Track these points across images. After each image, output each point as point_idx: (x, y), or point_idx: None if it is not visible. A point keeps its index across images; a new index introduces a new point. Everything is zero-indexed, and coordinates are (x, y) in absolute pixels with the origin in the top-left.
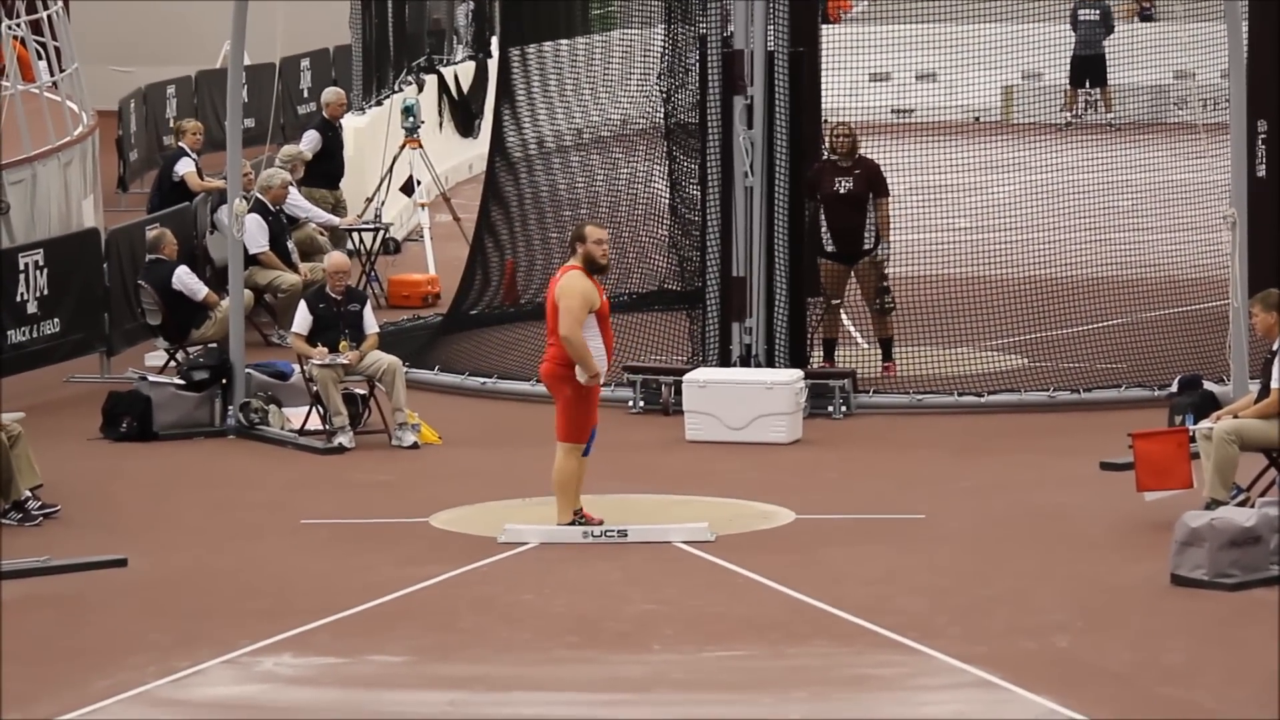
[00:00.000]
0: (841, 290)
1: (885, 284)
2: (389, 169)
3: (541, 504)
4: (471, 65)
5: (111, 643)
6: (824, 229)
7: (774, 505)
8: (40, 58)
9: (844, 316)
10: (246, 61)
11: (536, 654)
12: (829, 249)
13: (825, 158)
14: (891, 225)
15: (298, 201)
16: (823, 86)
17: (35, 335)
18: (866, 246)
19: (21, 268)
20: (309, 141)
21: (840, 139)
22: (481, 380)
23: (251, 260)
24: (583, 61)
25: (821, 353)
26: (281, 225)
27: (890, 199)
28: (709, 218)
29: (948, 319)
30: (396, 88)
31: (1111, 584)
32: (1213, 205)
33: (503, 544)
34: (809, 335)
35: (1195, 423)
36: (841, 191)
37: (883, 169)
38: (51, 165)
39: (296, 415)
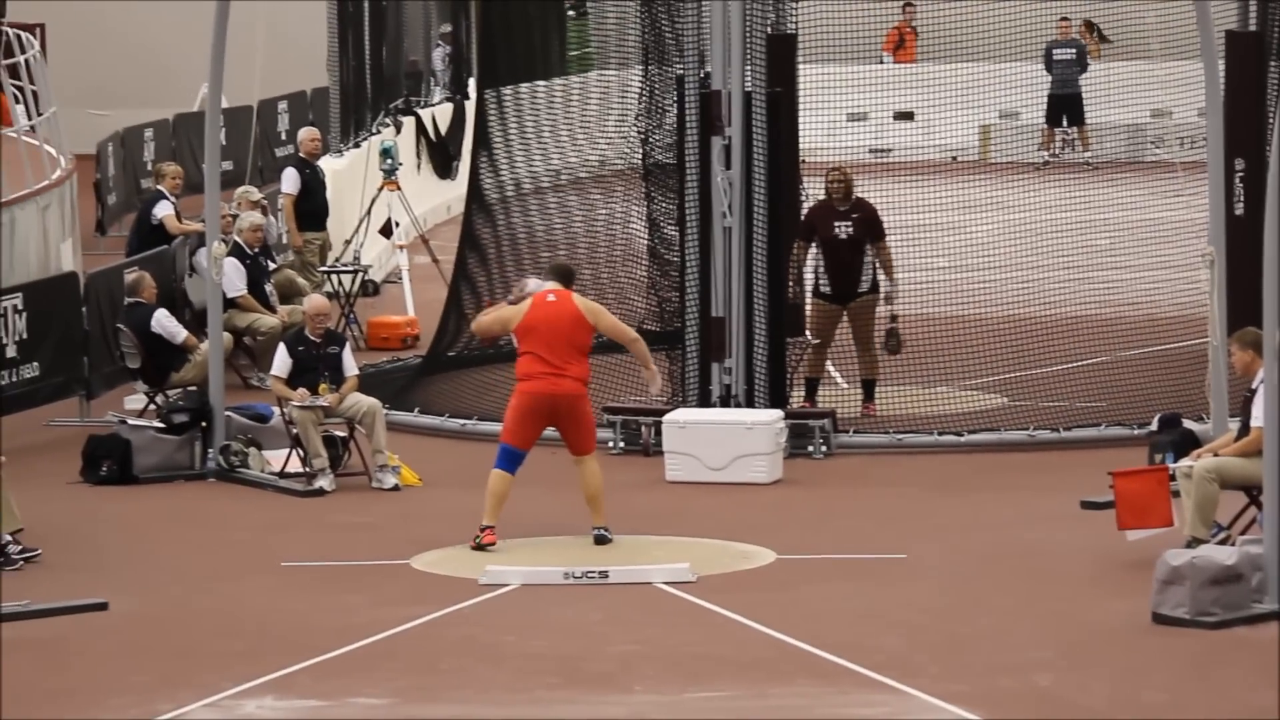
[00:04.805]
0: (831, 331)
1: (895, 325)
2: (367, 211)
3: (523, 545)
4: (449, 107)
5: (94, 685)
6: (821, 270)
7: (755, 545)
8: (18, 102)
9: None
10: (224, 104)
11: (518, 695)
12: (825, 290)
13: (820, 199)
14: (894, 264)
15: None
16: (800, 126)
17: (15, 379)
18: (862, 289)
19: (0, 312)
20: (289, 180)
21: (836, 184)
22: (461, 422)
23: (230, 303)
24: (560, 103)
25: (804, 392)
26: (260, 268)
27: (887, 239)
28: (687, 258)
29: (927, 358)
30: (374, 130)
31: (1092, 622)
32: (1191, 243)
33: (484, 585)
34: (789, 375)
35: (1175, 461)
36: (842, 236)
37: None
38: (30, 209)
39: (276, 458)
